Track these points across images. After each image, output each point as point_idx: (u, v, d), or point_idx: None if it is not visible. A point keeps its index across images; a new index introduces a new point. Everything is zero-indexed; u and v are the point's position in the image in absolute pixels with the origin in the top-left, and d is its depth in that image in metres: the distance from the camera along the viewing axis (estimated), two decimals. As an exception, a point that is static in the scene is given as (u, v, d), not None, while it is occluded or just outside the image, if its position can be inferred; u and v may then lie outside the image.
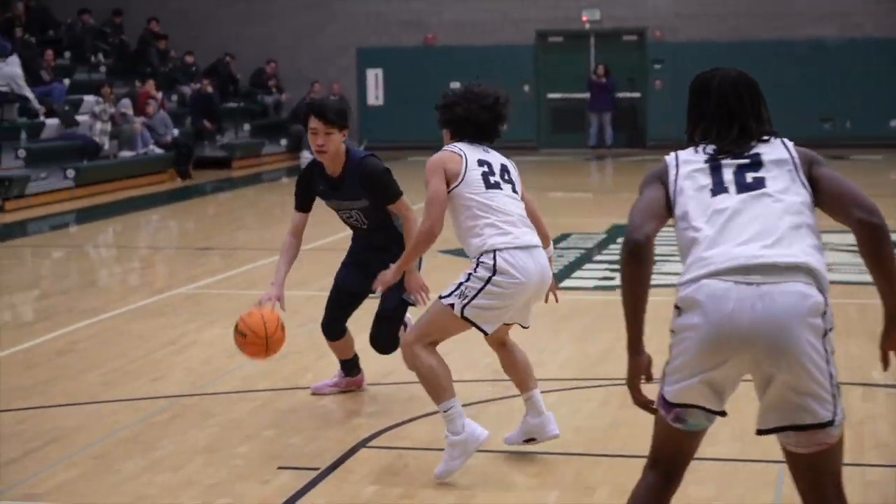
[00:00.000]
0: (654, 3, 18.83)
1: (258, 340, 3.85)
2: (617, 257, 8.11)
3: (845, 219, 2.30)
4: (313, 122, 4.00)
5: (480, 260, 3.51)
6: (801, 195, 2.31)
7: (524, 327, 3.79)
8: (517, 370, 3.87)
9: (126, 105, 15.65)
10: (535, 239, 3.62)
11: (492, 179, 3.65)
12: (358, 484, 3.76)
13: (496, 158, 3.74)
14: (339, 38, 20.19)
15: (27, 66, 15.29)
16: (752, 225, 2.23)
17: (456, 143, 3.67)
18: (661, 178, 2.41)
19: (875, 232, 2.23)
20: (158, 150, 15.73)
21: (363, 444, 4.21)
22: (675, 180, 2.37)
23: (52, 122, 14.94)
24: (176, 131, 16.23)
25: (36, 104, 14.72)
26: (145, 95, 16.17)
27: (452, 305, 3.53)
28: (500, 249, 3.51)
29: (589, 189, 16.15)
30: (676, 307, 2.22)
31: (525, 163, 13.39)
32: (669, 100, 17.90)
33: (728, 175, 2.34)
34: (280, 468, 3.81)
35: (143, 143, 15.72)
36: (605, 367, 5.73)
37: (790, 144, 2.35)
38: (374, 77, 20.07)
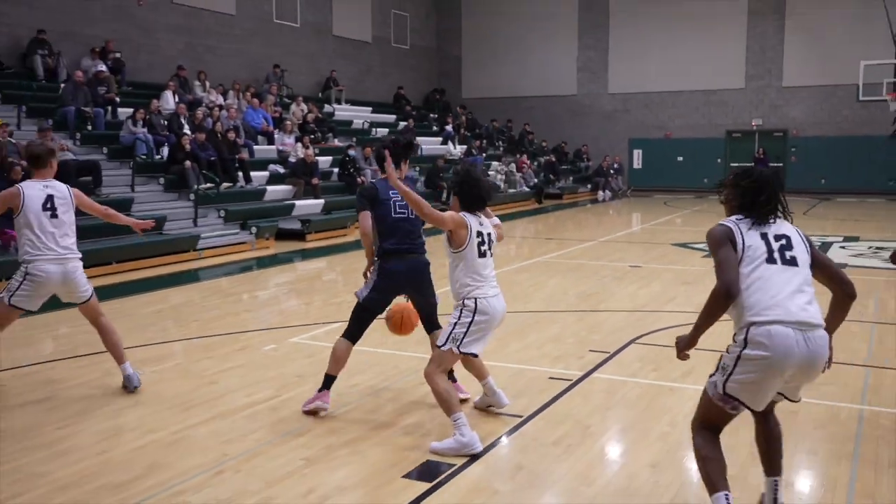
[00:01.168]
0: (793, 114, 27.00)
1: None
2: None
3: (831, 286, 3.30)
4: None
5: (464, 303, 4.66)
6: (810, 269, 3.24)
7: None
8: (474, 366, 5.21)
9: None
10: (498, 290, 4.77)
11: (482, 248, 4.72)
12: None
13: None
14: (622, 134, 30.06)
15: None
16: (796, 292, 3.15)
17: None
18: (731, 239, 3.26)
19: (851, 302, 3.27)
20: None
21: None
22: (743, 242, 3.25)
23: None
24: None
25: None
26: (522, 163, 27.02)
27: (451, 350, 4.65)
28: (478, 297, 4.66)
29: None
30: (745, 340, 3.20)
31: (717, 199, 23.70)
32: (799, 168, 26.84)
33: (774, 246, 3.19)
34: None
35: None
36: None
37: (799, 229, 3.34)
38: (637, 153, 29.73)
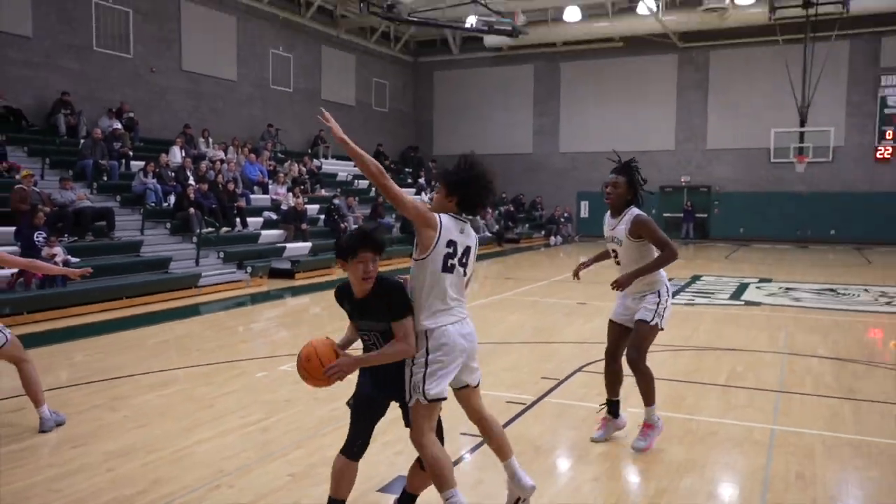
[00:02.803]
0: (716, 172, 27.34)
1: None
2: (698, 289, 12.95)
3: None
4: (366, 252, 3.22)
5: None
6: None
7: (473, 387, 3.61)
8: (492, 438, 3.69)
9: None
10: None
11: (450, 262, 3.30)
12: None
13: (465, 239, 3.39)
14: (572, 188, 29.86)
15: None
16: None
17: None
18: None
19: None
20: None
21: None
22: None
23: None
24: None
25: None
26: (485, 212, 29.51)
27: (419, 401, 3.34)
28: (430, 328, 3.32)
29: (682, 257, 25.37)
30: (668, 291, 4.65)
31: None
32: (721, 219, 27.33)
33: None
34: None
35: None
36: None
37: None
38: (584, 204, 29.79)
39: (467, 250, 3.44)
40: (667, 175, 28.41)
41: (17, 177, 13.10)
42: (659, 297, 4.73)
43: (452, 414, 5.75)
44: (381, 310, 3.33)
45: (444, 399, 3.45)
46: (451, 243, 3.34)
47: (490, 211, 26.84)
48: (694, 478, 4.50)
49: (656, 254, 4.64)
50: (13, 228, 11.46)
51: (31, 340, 8.82)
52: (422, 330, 3.39)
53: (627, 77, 28.71)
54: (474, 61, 31.38)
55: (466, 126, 31.46)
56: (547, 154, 30.60)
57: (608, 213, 4.90)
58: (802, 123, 23.32)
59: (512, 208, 28.42)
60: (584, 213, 30.02)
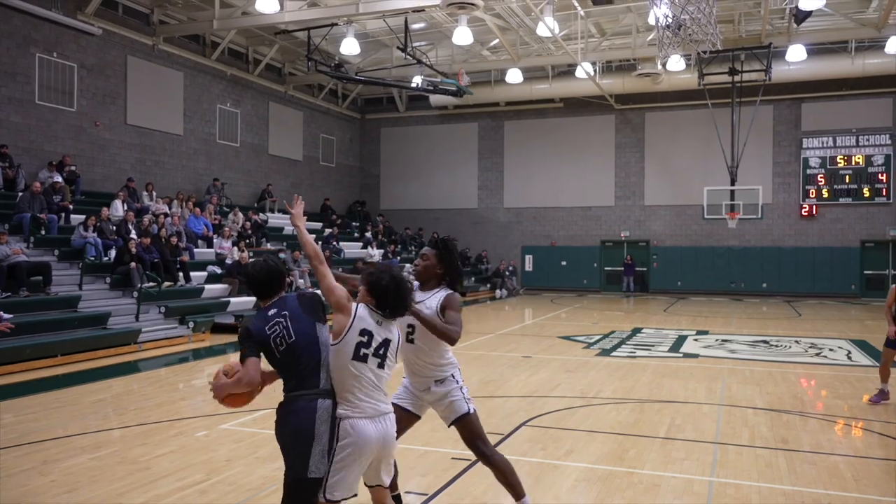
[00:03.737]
0: (654, 227, 27.89)
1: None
2: (639, 341, 13.61)
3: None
4: None
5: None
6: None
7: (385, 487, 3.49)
8: None
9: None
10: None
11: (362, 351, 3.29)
12: None
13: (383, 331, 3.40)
14: (516, 242, 30.07)
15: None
16: None
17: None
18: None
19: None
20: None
21: None
22: None
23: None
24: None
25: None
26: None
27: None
28: (341, 417, 3.26)
29: (623, 310, 21.47)
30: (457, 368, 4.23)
31: (595, 298, 24.81)
32: (660, 272, 27.95)
33: None
34: None
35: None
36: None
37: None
38: (529, 258, 30.00)
39: (386, 342, 3.45)
40: (607, 230, 29.16)
41: (-50, 230, 12.57)
42: (455, 381, 4.27)
43: (442, 437, 5.66)
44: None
45: (353, 496, 3.39)
46: (364, 332, 3.39)
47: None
48: (636, 532, 4.49)
49: (447, 346, 4.16)
50: (-58, 283, 10.94)
51: (-44, 401, 8.37)
52: (337, 418, 3.36)
53: (568, 135, 29.53)
54: (420, 118, 31.89)
55: (413, 180, 31.76)
56: (492, 209, 31.00)
57: (417, 286, 4.26)
58: (733, 182, 24.26)
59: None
60: (529, 266, 30.34)
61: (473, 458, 5.95)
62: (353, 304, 3.43)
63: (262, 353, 3.50)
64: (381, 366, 3.42)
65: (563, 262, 29.72)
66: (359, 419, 3.31)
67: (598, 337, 14.61)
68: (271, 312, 3.46)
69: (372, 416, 3.35)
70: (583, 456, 6.14)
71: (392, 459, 3.55)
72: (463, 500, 5.04)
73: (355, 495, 3.41)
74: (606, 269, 29.22)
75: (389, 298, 3.45)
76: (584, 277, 29.44)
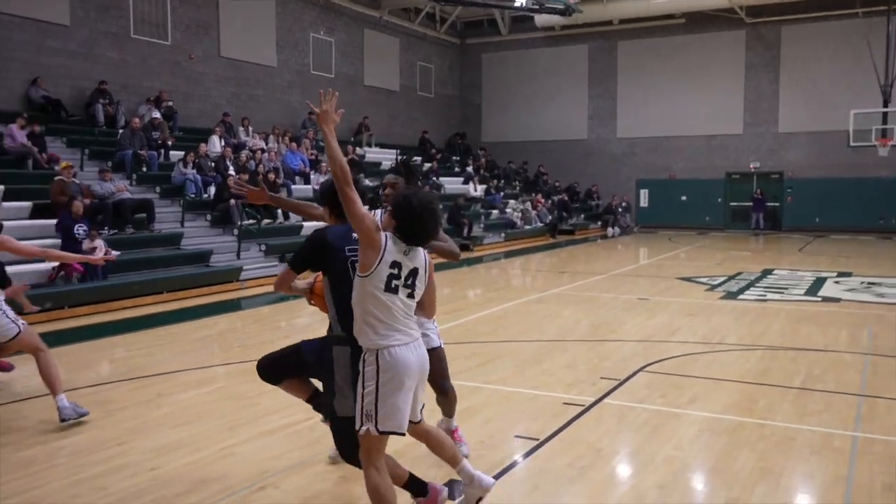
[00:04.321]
0: (788, 157, 26.74)
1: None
2: (770, 284, 12.74)
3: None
4: None
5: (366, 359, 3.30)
6: None
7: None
8: (444, 449, 3.80)
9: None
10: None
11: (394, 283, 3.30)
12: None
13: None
14: (630, 175, 29.55)
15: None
16: None
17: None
18: None
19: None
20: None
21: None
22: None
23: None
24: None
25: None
26: (537, 202, 27.71)
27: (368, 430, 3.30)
28: (380, 348, 3.30)
29: (752, 250, 21.21)
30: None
31: (718, 236, 23.66)
32: (795, 207, 26.85)
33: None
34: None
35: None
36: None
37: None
38: (644, 193, 29.52)
39: (414, 272, 3.43)
40: (734, 160, 27.93)
41: (57, 168, 13.51)
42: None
43: (506, 414, 5.75)
44: None
45: (401, 435, 3.46)
46: (394, 264, 3.36)
47: (542, 202, 26.68)
48: (768, 486, 4.40)
49: None
50: (54, 221, 11.81)
51: (71, 335, 9.11)
52: (372, 349, 3.35)
53: (691, 56, 28.15)
54: (525, 42, 31.12)
55: (517, 110, 31.29)
56: (603, 139, 30.23)
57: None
58: (886, 103, 22.57)
59: (566, 198, 28.11)
60: (644, 202, 29.62)
61: (587, 403, 5.99)
62: (382, 235, 3.37)
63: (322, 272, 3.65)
64: (410, 296, 3.43)
65: (683, 197, 28.82)
66: (396, 347, 3.35)
67: (722, 278, 14.16)
68: (355, 236, 3.43)
69: (407, 342, 3.39)
70: (707, 405, 6.03)
71: (425, 387, 3.62)
72: (576, 447, 5.07)
73: (403, 435, 3.50)
74: (732, 204, 28.12)
75: (416, 225, 3.34)
76: (706, 214, 28.47)
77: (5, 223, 11.55)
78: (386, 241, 3.35)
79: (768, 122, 27.45)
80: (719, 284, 13.46)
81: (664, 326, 9.56)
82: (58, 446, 5.14)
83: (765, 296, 12.11)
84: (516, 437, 5.29)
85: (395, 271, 3.35)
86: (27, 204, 12.56)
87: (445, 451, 3.80)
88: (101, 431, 5.46)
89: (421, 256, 3.48)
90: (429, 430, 3.79)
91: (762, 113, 27.49)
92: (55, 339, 8.86)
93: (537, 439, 5.20)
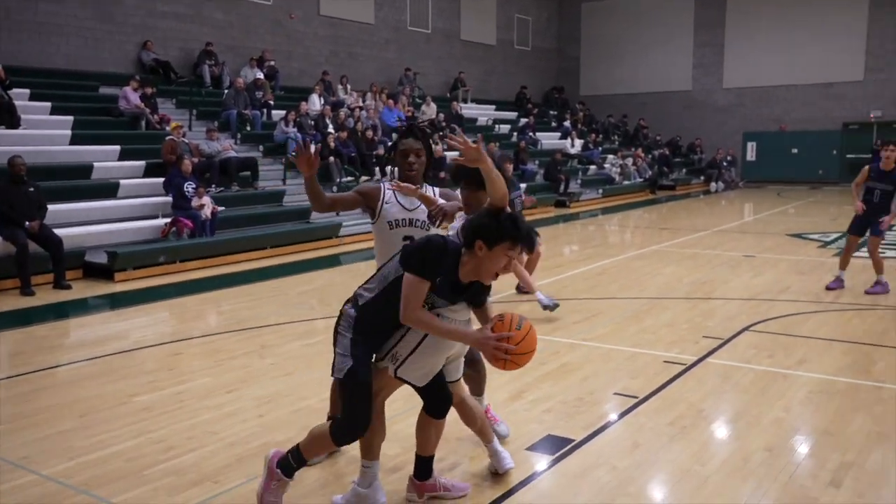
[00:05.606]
0: None
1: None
2: (891, 240, 11.44)
3: None
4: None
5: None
6: None
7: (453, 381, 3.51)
8: (473, 421, 3.71)
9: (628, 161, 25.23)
10: None
11: None
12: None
13: None
14: (736, 128, 28.54)
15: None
16: None
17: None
18: None
19: None
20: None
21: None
22: None
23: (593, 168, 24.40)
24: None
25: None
26: (637, 156, 26.53)
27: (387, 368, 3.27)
28: None
29: None
30: None
31: (833, 191, 22.36)
32: None
33: None
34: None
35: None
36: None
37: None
38: (751, 146, 28.69)
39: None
40: (852, 110, 26.31)
41: (168, 128, 14.10)
42: None
43: (604, 372, 5.67)
44: (477, 294, 3.34)
45: (417, 387, 3.41)
46: None
47: (642, 156, 25.96)
48: (885, 452, 4.17)
49: None
50: (162, 179, 12.38)
51: (182, 288, 9.58)
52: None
53: (806, -2, 26.43)
54: (626, -10, 30.09)
55: (617, 62, 30.38)
56: (708, 90, 28.99)
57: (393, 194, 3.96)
58: None
59: (667, 152, 27.29)
60: (751, 155, 28.38)
61: (689, 362, 5.83)
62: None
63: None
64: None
65: (794, 150, 27.41)
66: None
67: (836, 235, 13.43)
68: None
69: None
70: (818, 366, 5.76)
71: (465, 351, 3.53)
72: (678, 406, 4.95)
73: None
74: (849, 156, 26.51)
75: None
76: (819, 167, 26.99)
77: (122, 181, 12.19)
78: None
79: (893, 67, 25.54)
80: (833, 241, 12.78)
81: (772, 284, 9.17)
82: (174, 391, 5.42)
83: (884, 253, 11.37)
84: (615, 394, 5.22)
85: None
86: (141, 163, 13.18)
87: (475, 424, 3.76)
88: (212, 379, 5.73)
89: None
90: (464, 399, 3.72)
91: (887, 57, 25.60)
92: (168, 291, 9.34)
93: (637, 397, 5.12)
